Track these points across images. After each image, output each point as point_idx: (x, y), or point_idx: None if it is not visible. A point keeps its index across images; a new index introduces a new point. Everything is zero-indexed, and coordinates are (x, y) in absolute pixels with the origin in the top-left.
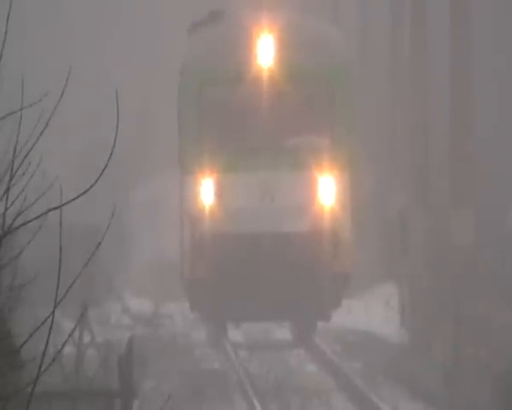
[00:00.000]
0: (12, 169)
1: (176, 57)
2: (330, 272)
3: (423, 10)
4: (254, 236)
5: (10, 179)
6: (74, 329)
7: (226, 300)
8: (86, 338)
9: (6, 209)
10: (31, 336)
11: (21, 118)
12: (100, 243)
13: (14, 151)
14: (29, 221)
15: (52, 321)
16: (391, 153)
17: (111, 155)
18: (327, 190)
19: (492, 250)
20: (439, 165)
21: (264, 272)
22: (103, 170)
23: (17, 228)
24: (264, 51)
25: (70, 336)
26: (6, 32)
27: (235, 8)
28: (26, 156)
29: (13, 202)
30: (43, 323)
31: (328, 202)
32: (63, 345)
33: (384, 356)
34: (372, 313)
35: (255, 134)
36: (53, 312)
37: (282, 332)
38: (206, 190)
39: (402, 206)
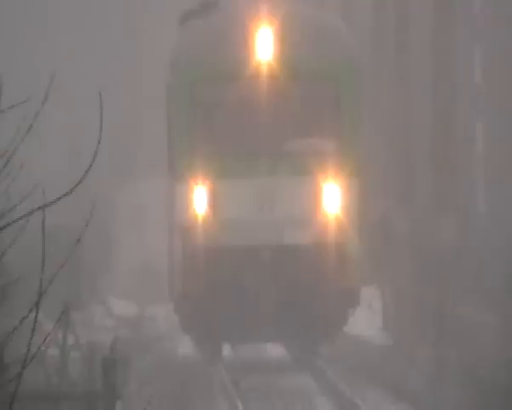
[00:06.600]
0: None
1: (164, 51)
2: (336, 289)
3: (406, 13)
4: (252, 249)
5: None
6: (54, 327)
7: (221, 319)
8: (70, 340)
9: None
10: (9, 335)
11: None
12: (78, 240)
13: None
14: (12, 222)
15: (35, 321)
16: (373, 156)
17: (95, 156)
18: (332, 199)
19: (475, 252)
20: (422, 167)
21: (263, 288)
22: (86, 172)
23: (0, 230)
24: (263, 45)
25: (49, 335)
26: None
27: None
28: (10, 157)
29: None
30: (21, 322)
31: (333, 211)
32: (43, 341)
33: (367, 358)
34: (355, 315)
35: (253, 137)
36: (36, 310)
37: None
38: (199, 199)
39: (385, 208)
